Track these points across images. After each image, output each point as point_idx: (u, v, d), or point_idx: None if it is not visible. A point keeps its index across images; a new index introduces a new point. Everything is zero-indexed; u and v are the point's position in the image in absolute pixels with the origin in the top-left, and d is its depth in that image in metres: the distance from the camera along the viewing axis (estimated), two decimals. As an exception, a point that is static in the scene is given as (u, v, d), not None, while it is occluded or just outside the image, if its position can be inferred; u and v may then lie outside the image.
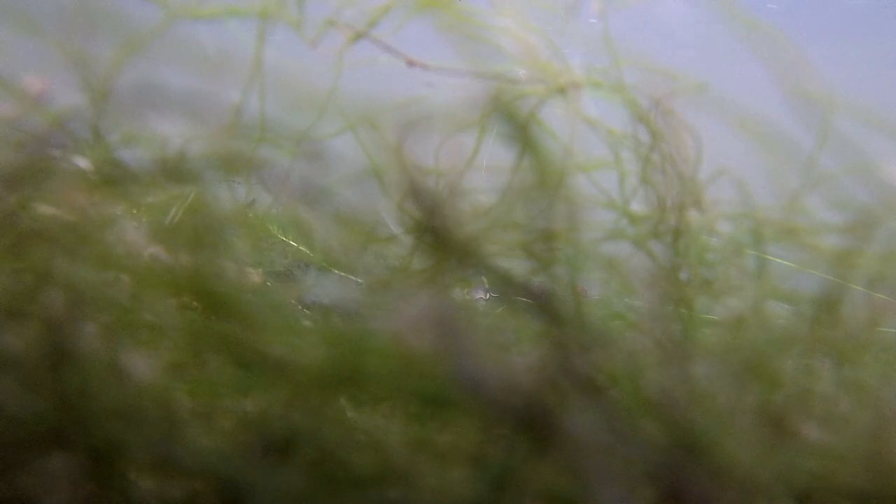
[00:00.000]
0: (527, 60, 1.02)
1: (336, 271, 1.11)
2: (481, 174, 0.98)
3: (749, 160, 1.06)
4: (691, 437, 0.71)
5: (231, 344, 0.79)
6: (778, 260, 1.08)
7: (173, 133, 0.81)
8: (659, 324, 0.82)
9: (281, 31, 1.03)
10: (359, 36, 1.06)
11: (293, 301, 1.07)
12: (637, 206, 1.11)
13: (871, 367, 0.91)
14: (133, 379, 0.80)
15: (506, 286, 0.74)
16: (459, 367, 0.69)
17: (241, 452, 0.78)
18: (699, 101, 1.04)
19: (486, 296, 1.23)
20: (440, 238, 0.72)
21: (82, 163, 0.85)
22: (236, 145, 0.81)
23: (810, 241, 1.05)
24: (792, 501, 0.74)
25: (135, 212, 0.90)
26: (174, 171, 0.81)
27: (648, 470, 0.68)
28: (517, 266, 0.79)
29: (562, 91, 1.04)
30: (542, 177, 0.77)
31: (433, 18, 1.02)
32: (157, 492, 0.77)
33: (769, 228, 1.06)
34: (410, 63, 1.07)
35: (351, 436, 0.80)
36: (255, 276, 1.12)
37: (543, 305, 0.72)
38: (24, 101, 0.92)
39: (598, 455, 0.66)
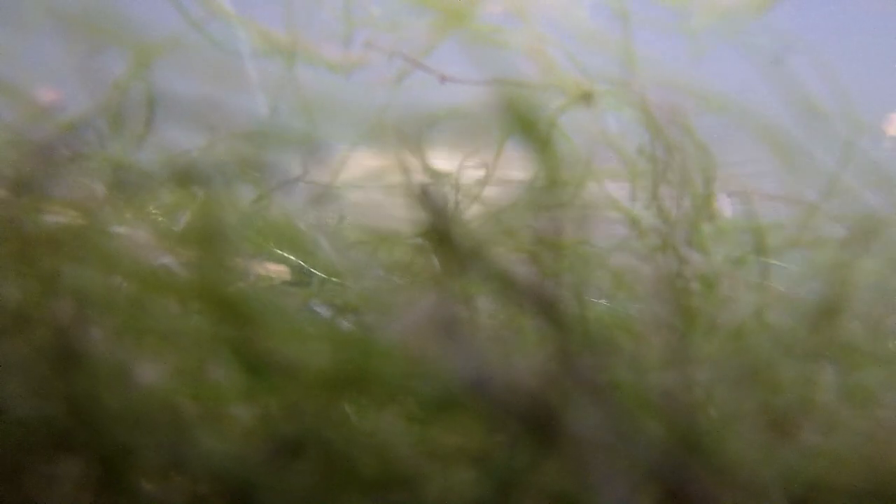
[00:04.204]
0: (544, 71, 1.03)
1: (336, 278, 1.11)
2: (492, 179, 0.99)
3: (757, 170, 1.06)
4: (694, 439, 0.72)
5: (239, 348, 0.79)
6: (782, 266, 1.08)
7: (185, 139, 0.81)
8: (663, 329, 0.83)
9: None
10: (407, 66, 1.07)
11: (299, 306, 1.07)
12: (648, 218, 1.11)
13: (872, 372, 0.91)
14: (141, 383, 0.80)
15: (512, 289, 0.75)
16: (464, 369, 0.69)
17: (248, 456, 0.79)
18: (714, 112, 1.04)
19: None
20: (447, 241, 0.73)
21: (92, 168, 0.86)
22: (248, 150, 0.82)
23: (815, 251, 1.05)
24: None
25: (144, 217, 0.90)
26: (185, 175, 0.81)
27: (651, 471, 0.68)
28: (524, 271, 0.80)
29: (579, 100, 1.05)
30: (553, 183, 0.78)
31: (453, 31, 1.03)
32: (165, 496, 0.77)
33: (774, 238, 1.07)
34: (443, 79, 1.08)
35: (357, 439, 0.81)
36: (278, 271, 1.12)
37: (549, 308, 0.72)
38: (35, 111, 0.93)
39: (601, 456, 0.67)
